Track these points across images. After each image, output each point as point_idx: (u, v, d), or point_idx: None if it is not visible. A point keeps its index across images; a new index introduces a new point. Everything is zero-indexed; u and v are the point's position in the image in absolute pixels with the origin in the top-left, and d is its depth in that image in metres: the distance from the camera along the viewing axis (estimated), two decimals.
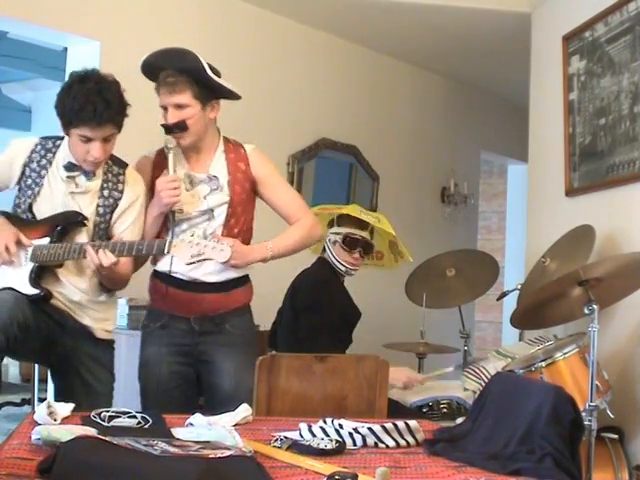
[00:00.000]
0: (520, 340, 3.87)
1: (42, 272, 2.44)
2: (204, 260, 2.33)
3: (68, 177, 2.47)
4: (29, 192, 2.48)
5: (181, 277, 2.60)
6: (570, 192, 4.02)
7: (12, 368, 7.21)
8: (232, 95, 2.66)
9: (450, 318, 4.47)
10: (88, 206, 2.49)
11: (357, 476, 1.45)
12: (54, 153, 2.52)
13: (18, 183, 2.51)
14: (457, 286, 4.11)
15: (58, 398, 2.51)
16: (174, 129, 2.54)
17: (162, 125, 2.57)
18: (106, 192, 2.51)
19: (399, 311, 4.73)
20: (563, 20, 4.15)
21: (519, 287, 3.82)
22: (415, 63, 5.93)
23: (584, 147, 3.91)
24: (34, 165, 2.50)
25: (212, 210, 2.60)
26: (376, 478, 1.43)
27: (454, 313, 4.25)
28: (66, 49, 4.38)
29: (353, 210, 3.37)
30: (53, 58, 5.59)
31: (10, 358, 2.63)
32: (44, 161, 2.51)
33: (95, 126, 2.35)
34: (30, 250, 2.44)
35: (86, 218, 2.46)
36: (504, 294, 4.05)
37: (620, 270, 2.86)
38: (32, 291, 2.40)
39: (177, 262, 2.53)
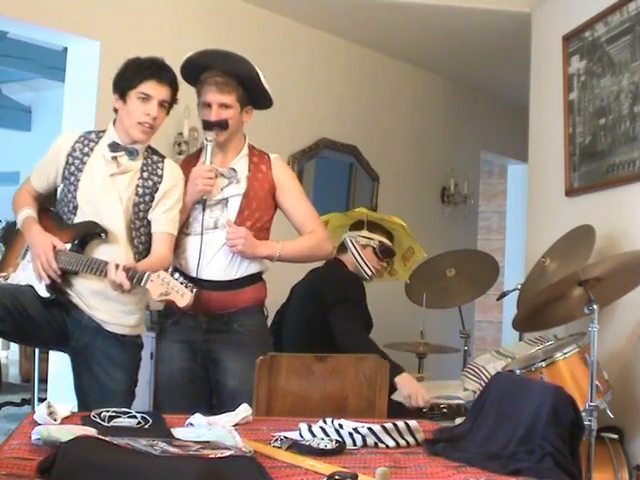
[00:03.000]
0: (520, 340, 3.87)
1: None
2: (168, 300, 2.37)
3: (112, 157, 2.57)
4: (72, 178, 2.56)
5: (190, 275, 2.64)
6: (570, 192, 4.02)
7: (12, 368, 7.21)
8: (267, 104, 2.80)
9: (450, 318, 4.47)
10: (127, 187, 2.57)
11: (357, 476, 1.45)
12: (97, 142, 2.61)
13: (62, 174, 2.58)
14: (457, 286, 4.10)
15: (76, 392, 2.61)
16: (215, 126, 2.66)
17: (204, 121, 2.68)
18: (146, 174, 2.61)
19: (399, 311, 4.73)
20: (563, 20, 4.15)
21: (519, 287, 3.82)
22: (415, 63, 5.93)
23: (584, 147, 3.91)
24: (77, 153, 2.59)
25: (227, 200, 2.69)
26: (376, 478, 1.43)
27: (454, 313, 4.24)
28: (66, 49, 4.38)
29: (402, 223, 3.41)
30: (53, 58, 5.59)
31: (26, 346, 2.74)
32: (86, 149, 2.60)
33: (157, 82, 2.53)
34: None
35: (104, 231, 2.50)
36: (504, 294, 4.04)
37: (620, 270, 2.86)
38: (43, 293, 2.48)
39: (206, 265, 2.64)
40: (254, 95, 2.76)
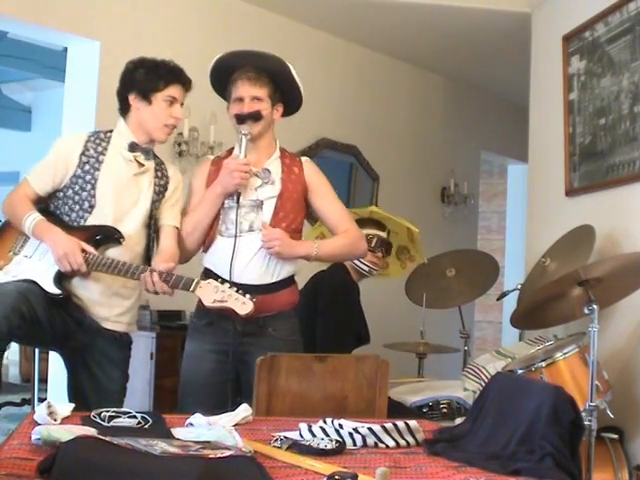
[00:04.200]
0: (520, 340, 3.87)
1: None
2: (224, 307, 2.42)
3: (133, 157, 2.61)
4: (87, 177, 2.56)
5: (226, 279, 2.61)
6: (570, 192, 4.02)
7: (12, 368, 7.21)
8: (297, 101, 2.84)
9: (450, 318, 4.47)
10: (149, 186, 2.64)
11: (357, 476, 1.45)
12: (108, 142, 2.63)
13: (73, 173, 2.57)
14: (457, 286, 4.11)
15: (69, 392, 2.60)
16: (248, 118, 2.69)
17: (236, 115, 2.71)
18: (159, 174, 2.69)
19: (399, 311, 4.74)
20: (563, 20, 4.15)
21: (519, 287, 3.82)
22: (415, 63, 5.93)
23: (584, 147, 3.91)
24: (91, 152, 2.60)
25: (262, 202, 2.70)
26: (376, 478, 1.43)
27: (454, 313, 4.24)
28: (66, 49, 4.38)
29: (378, 211, 3.43)
30: (53, 58, 5.59)
31: (22, 345, 2.71)
32: (100, 148, 2.62)
33: (182, 86, 2.63)
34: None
35: (122, 236, 2.54)
36: (504, 294, 4.04)
37: (620, 270, 2.86)
38: (53, 290, 2.47)
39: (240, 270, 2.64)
40: (284, 91, 2.79)
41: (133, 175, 2.60)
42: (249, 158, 2.71)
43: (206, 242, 2.73)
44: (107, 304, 2.57)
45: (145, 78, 2.59)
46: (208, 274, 2.67)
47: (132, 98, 2.61)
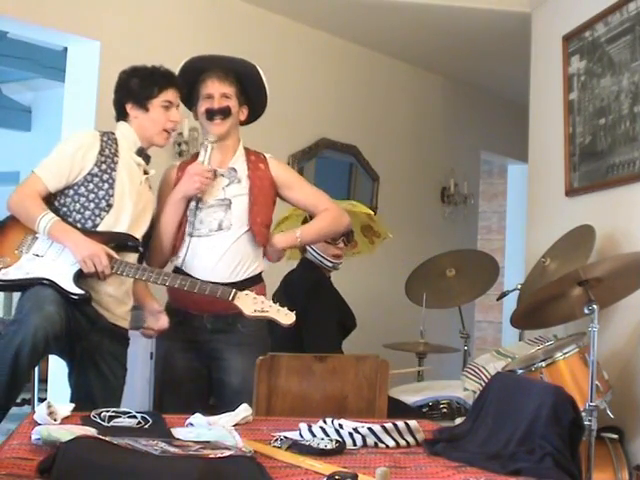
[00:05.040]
0: (520, 340, 3.87)
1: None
2: (266, 317, 2.46)
3: (139, 162, 2.65)
4: (105, 176, 2.57)
5: (196, 277, 2.64)
6: (570, 192, 4.02)
7: None
8: (262, 102, 2.88)
9: (450, 318, 4.47)
10: (150, 190, 2.71)
11: (357, 476, 1.45)
12: (116, 143, 2.64)
13: (89, 171, 2.56)
14: (457, 286, 4.11)
15: (74, 390, 2.60)
16: (218, 114, 2.74)
17: (207, 109, 2.75)
18: (151, 183, 2.74)
19: (399, 311, 4.73)
20: (563, 20, 4.15)
21: (519, 287, 3.82)
22: (415, 63, 5.93)
23: (584, 147, 3.91)
24: (106, 152, 2.61)
25: (230, 200, 2.73)
26: (376, 478, 1.43)
27: (454, 313, 4.25)
28: (66, 49, 4.38)
29: (367, 211, 3.43)
30: (53, 58, 5.58)
31: None
32: (112, 149, 2.63)
33: (175, 90, 2.66)
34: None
35: (141, 245, 2.59)
36: (504, 294, 4.05)
37: (620, 270, 2.86)
38: (76, 290, 2.45)
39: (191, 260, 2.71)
40: (250, 94, 2.84)
41: (145, 180, 2.66)
42: (214, 160, 2.75)
43: (176, 243, 2.74)
44: (121, 301, 2.61)
45: (140, 86, 2.62)
46: (178, 273, 2.70)
47: (129, 107, 2.64)
